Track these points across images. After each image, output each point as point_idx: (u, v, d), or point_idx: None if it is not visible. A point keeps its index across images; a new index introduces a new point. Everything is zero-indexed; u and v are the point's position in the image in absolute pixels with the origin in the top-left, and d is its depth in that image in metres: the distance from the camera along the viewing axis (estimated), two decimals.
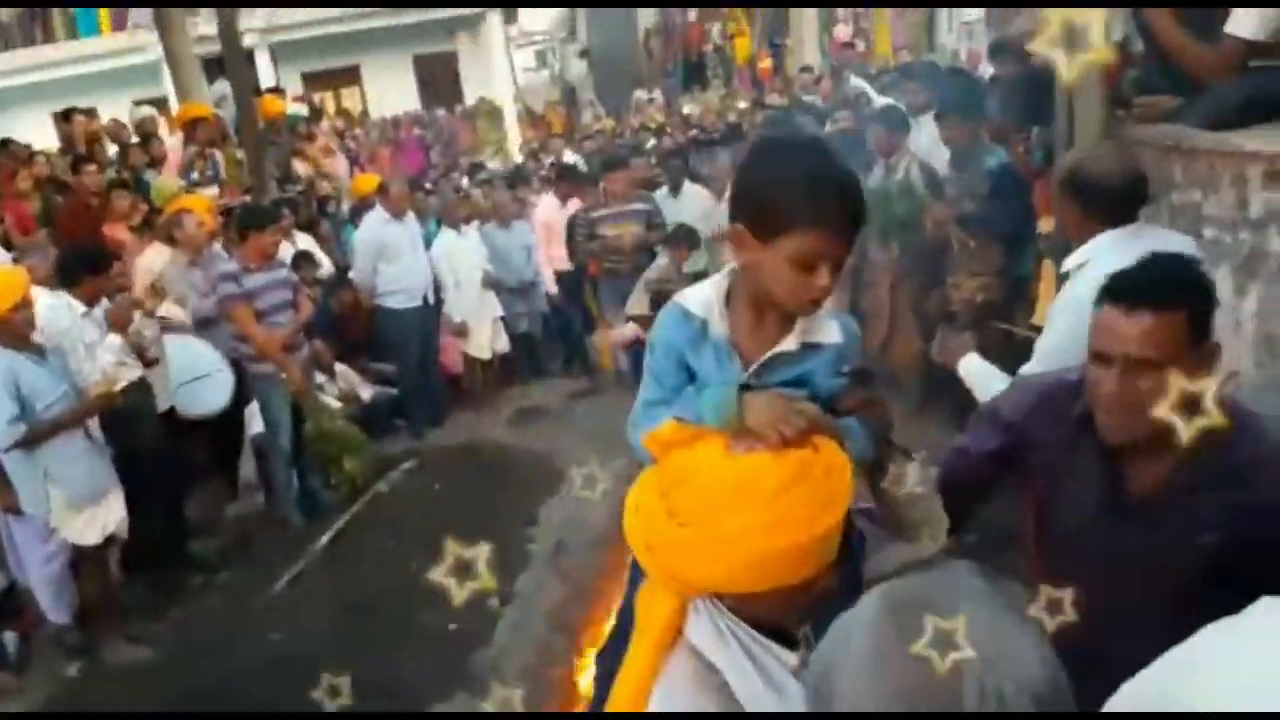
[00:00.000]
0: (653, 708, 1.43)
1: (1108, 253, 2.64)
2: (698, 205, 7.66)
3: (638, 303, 6.98)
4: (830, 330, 1.72)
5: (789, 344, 1.68)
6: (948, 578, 1.07)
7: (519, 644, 4.59)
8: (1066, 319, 2.77)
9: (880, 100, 7.21)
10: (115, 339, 4.88)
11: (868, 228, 5.56)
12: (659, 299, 6.71)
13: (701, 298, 1.71)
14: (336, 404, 6.64)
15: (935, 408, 5.56)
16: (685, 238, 7.00)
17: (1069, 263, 2.86)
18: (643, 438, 1.58)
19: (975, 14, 18.00)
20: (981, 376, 2.88)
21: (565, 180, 8.54)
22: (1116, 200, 2.76)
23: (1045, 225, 4.77)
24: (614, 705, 1.49)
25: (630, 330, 7.00)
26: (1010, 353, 3.05)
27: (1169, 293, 1.73)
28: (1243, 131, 3.11)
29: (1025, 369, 2.89)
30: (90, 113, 10.67)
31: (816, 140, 1.96)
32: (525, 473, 6.31)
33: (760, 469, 1.40)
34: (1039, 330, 3.41)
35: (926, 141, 6.04)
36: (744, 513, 1.35)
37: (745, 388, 1.64)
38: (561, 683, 4.56)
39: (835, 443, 1.49)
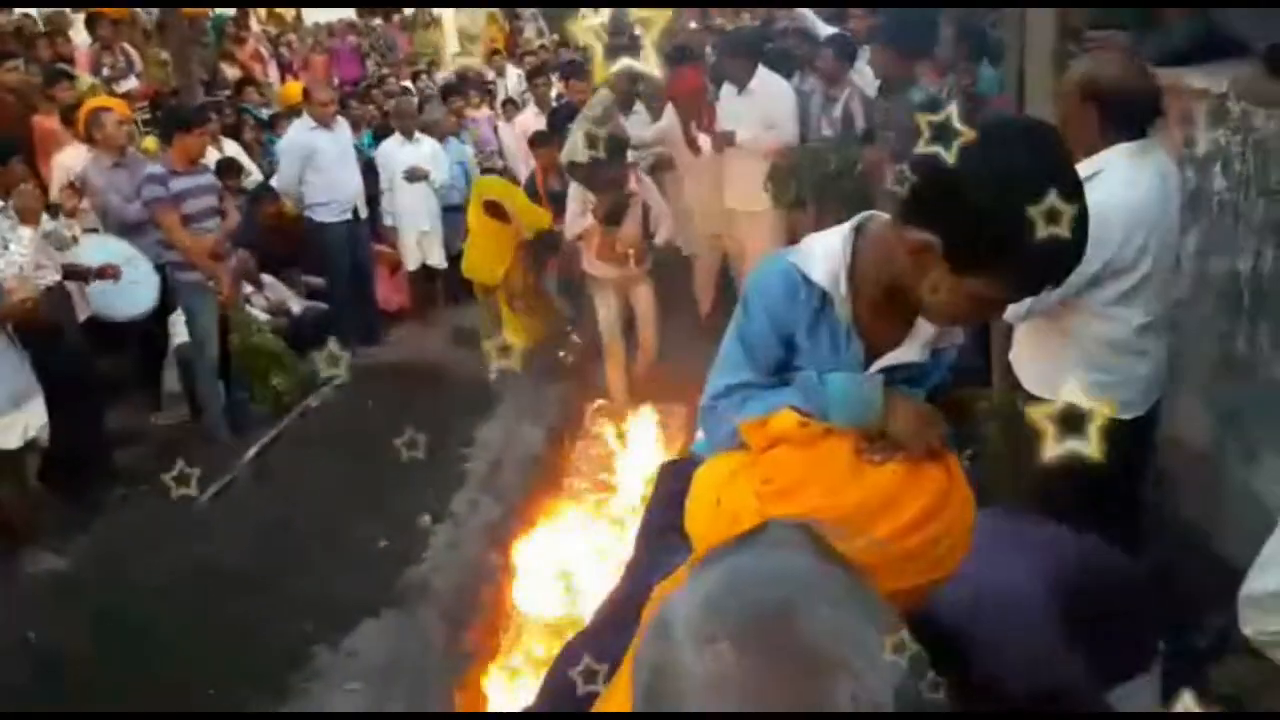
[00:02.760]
0: None
1: (1121, 165, 2.60)
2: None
3: (575, 149, 5.80)
4: (956, 331, 1.45)
5: (916, 352, 1.41)
6: (780, 564, 0.82)
7: (451, 561, 4.56)
8: None
9: (826, 29, 7.01)
10: (27, 232, 4.64)
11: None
12: (596, 144, 5.57)
13: (826, 266, 1.37)
14: (264, 317, 6.46)
15: None
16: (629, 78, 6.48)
17: (1080, 171, 2.80)
18: (741, 425, 1.33)
19: None
20: None
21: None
22: (1134, 109, 2.63)
23: None
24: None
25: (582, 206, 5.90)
26: None
27: None
28: (1191, 69, 3.12)
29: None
30: None
31: (1067, 165, 1.42)
32: (463, 393, 6.22)
33: (897, 490, 1.19)
34: None
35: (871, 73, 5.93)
36: (869, 541, 1.14)
37: None
38: (492, 600, 4.56)
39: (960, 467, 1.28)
